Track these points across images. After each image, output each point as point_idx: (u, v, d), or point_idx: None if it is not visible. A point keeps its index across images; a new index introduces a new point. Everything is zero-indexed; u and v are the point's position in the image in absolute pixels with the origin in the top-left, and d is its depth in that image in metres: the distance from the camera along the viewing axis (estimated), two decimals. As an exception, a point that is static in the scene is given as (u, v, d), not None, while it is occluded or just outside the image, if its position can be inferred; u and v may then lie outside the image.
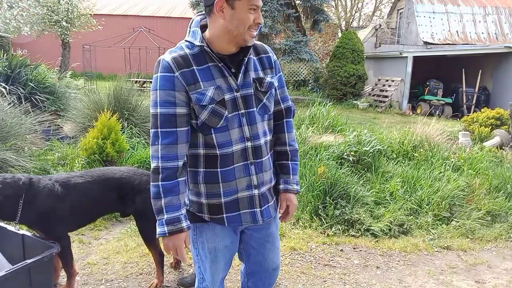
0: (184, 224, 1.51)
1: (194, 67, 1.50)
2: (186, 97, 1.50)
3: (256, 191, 1.63)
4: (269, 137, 1.68)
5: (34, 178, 2.35)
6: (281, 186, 1.73)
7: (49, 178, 2.44)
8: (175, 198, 1.50)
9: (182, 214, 1.51)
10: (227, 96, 1.53)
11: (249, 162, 1.59)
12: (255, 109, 1.59)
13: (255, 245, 1.78)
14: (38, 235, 2.38)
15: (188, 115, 1.51)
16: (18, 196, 2.22)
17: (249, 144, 1.58)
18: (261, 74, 1.62)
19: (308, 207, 3.83)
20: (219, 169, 1.57)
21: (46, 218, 2.31)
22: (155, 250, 2.62)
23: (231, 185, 1.59)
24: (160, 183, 1.49)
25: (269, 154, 1.69)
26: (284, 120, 1.75)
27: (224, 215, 1.62)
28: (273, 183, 1.73)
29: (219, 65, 1.52)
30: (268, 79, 1.63)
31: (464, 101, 13.01)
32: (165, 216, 1.49)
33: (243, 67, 1.56)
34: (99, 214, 2.73)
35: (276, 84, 1.67)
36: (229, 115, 1.54)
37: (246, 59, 1.56)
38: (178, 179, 1.51)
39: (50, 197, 2.31)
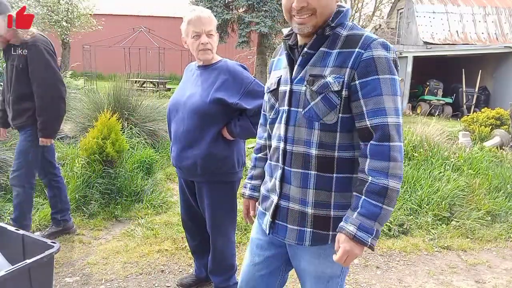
0: (247, 191, 1.70)
1: (278, 57, 1.55)
2: None
3: (275, 198, 1.47)
4: (316, 151, 1.36)
5: None
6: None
7: None
8: (252, 168, 1.71)
9: (249, 183, 1.70)
10: (282, 88, 1.45)
11: (279, 164, 1.45)
12: (299, 109, 1.38)
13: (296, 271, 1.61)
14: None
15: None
16: None
17: (281, 145, 1.43)
18: (325, 72, 1.32)
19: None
20: (268, 160, 1.57)
21: None
22: None
23: (268, 179, 1.55)
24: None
25: (314, 171, 1.37)
26: (370, 142, 1.28)
27: (260, 207, 1.60)
28: (309, 209, 1.39)
29: (285, 54, 1.45)
30: (329, 79, 1.31)
31: (464, 101, 13.02)
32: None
33: (299, 58, 1.38)
34: None
35: (336, 88, 1.30)
36: (279, 108, 1.46)
37: (306, 49, 1.37)
38: (257, 155, 1.70)
39: None
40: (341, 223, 1.32)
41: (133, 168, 4.27)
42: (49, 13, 12.47)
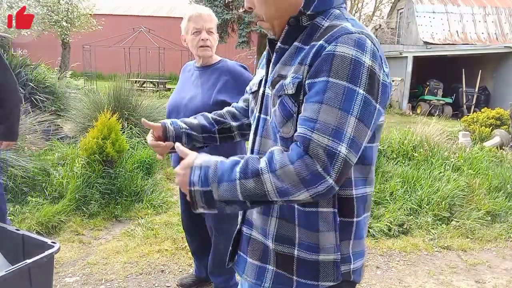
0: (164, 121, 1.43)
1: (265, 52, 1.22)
2: None
3: (239, 223, 1.21)
4: None
5: None
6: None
7: None
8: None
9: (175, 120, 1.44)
10: (261, 90, 1.14)
11: None
12: (267, 117, 1.09)
13: None
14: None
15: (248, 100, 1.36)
16: None
17: None
18: (289, 71, 1.02)
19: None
20: None
21: None
22: None
23: None
24: None
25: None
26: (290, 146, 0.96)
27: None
28: (270, 242, 1.09)
29: (266, 50, 1.17)
30: (287, 79, 1.00)
31: (464, 101, 13.03)
32: None
33: (274, 54, 1.09)
34: None
35: (290, 91, 0.99)
36: (256, 114, 1.14)
37: (279, 44, 1.07)
38: (208, 114, 1.51)
39: None
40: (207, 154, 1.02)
41: (133, 168, 4.27)
42: (49, 13, 12.46)
